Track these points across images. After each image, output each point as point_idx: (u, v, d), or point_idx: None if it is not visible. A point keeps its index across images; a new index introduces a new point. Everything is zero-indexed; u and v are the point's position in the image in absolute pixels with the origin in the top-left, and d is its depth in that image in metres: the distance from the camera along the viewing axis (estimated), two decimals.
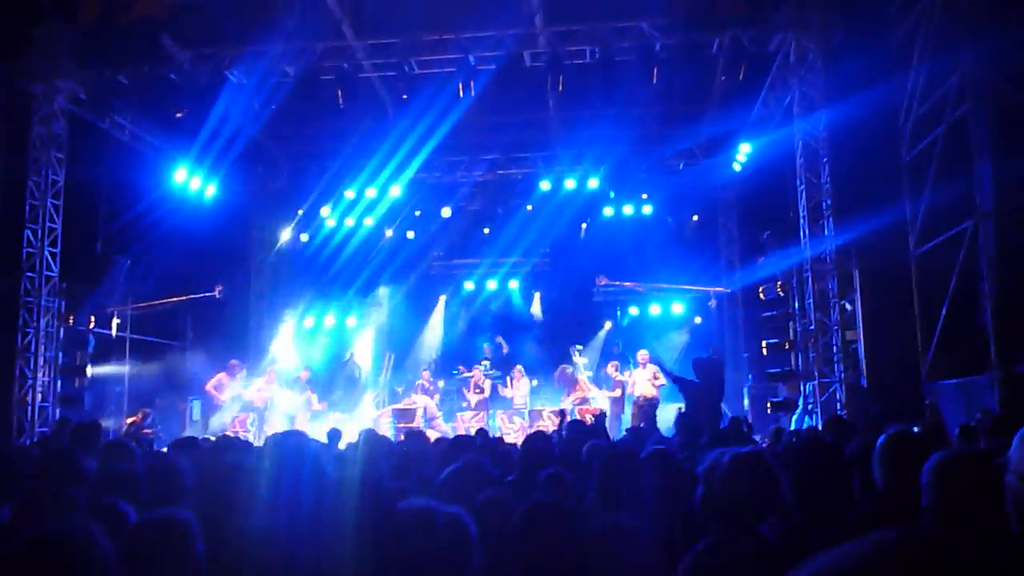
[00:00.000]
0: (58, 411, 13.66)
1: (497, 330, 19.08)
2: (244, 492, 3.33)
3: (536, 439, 5.97)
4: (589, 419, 13.32)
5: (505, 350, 18.47)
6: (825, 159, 12.98)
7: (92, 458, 4.92)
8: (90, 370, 14.60)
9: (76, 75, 13.54)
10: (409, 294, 19.63)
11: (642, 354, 14.80)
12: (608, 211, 18.22)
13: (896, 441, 3.39)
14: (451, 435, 14.32)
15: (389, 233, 19.18)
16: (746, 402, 15.73)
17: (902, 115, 12.92)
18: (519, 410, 15.95)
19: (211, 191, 16.65)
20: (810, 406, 12.72)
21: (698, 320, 18.35)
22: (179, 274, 16.08)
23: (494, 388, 16.81)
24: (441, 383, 17.58)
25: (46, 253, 13.64)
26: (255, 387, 15.76)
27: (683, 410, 9.66)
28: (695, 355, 11.45)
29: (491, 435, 9.12)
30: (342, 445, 7.89)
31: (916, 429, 6.51)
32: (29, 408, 13.36)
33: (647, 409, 14.18)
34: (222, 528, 3.00)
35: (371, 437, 8.22)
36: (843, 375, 12.51)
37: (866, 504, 3.26)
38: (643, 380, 14.46)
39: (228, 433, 12.99)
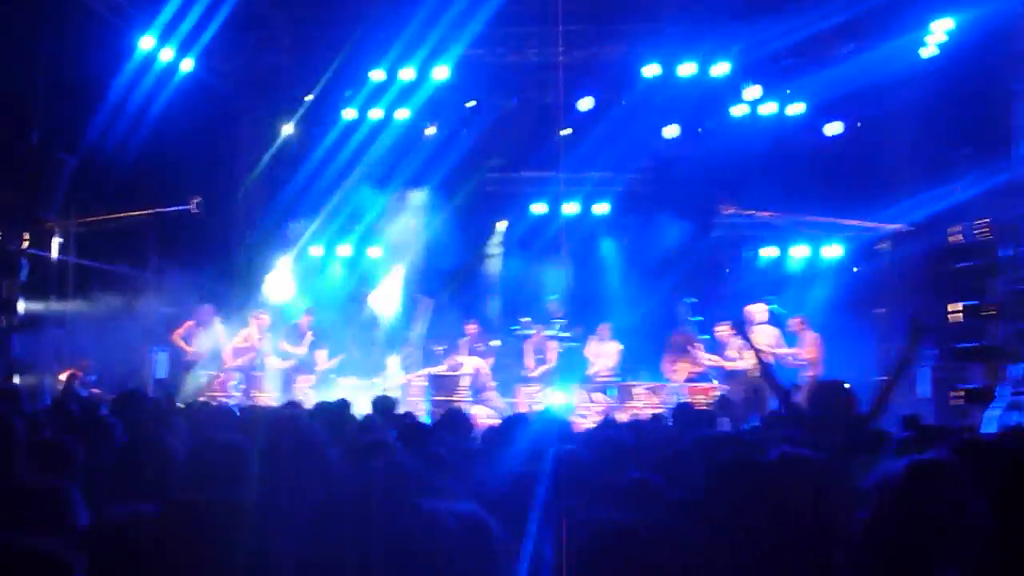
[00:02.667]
0: None
1: (578, 269, 19.01)
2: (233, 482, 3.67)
3: (609, 428, 6.13)
4: (702, 402, 13.89)
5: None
6: None
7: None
8: (21, 305, 14.72)
9: None
10: (456, 217, 19.28)
11: (756, 310, 14.93)
12: (738, 111, 17.79)
13: None
14: (508, 414, 14.01)
15: (431, 131, 18.84)
16: (926, 388, 15.28)
17: None
18: (603, 383, 16.09)
19: (187, 66, 16.44)
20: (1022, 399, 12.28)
21: (857, 269, 18.10)
22: (143, 180, 16.11)
23: (567, 353, 16.95)
24: (496, 343, 17.60)
25: None
26: (240, 338, 16.14)
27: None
28: (852, 319, 10.79)
29: (561, 418, 9.02)
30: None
31: None
32: None
33: (757, 389, 14.14)
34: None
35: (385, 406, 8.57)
36: None
37: None
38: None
39: (206, 399, 13.40)
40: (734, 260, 18.77)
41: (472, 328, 17.18)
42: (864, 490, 3.09)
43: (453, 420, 7.68)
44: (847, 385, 6.92)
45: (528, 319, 17.62)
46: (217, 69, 17.58)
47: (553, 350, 16.94)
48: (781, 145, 17.62)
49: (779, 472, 4.01)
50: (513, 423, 6.11)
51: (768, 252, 18.61)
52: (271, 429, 4.05)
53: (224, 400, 14.47)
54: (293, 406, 8.89)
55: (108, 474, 4.61)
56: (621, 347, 16.60)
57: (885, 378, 7.38)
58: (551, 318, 17.65)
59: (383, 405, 8.95)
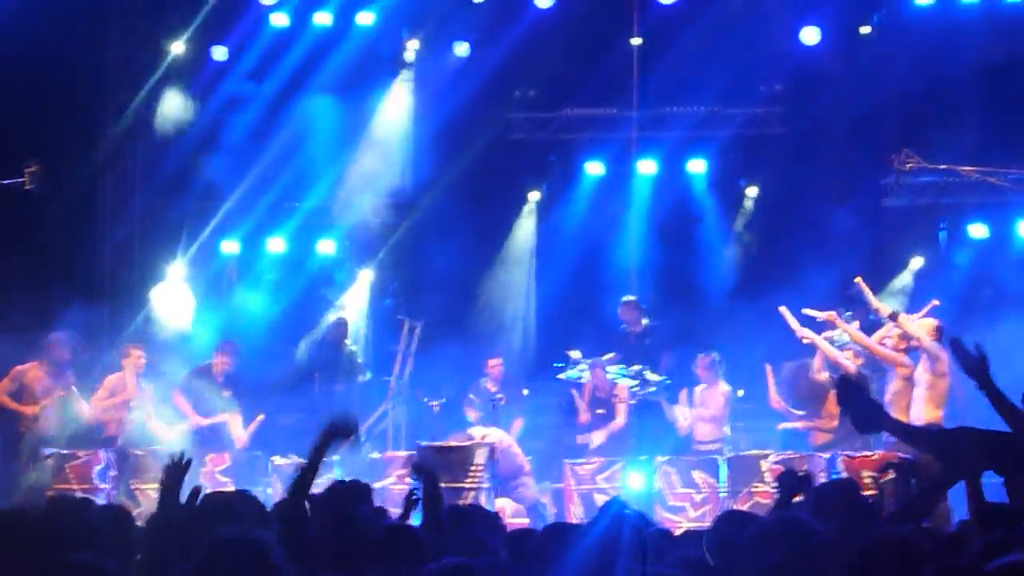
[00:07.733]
0: None
1: (661, 267, 16.77)
2: None
3: (724, 531, 5.16)
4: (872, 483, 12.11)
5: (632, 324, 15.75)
6: None
7: None
8: None
9: None
10: (460, 186, 16.90)
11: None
12: None
13: None
14: (547, 513, 13.62)
15: (413, 46, 16.70)
16: None
17: None
18: (708, 453, 13.98)
19: None
20: None
21: None
22: None
23: (644, 407, 14.64)
24: (525, 392, 15.43)
25: None
26: (104, 390, 13.89)
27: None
28: None
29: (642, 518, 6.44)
30: None
31: None
32: None
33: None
34: None
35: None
36: None
37: None
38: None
39: (56, 494, 12.07)
40: (921, 245, 16.12)
41: (496, 365, 14.80)
42: None
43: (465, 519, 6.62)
44: None
45: (578, 353, 15.03)
46: None
47: (623, 400, 14.58)
48: (999, 54, 15.66)
49: None
50: (561, 534, 4.96)
51: (975, 231, 16.27)
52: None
53: (84, 495, 11.92)
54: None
55: None
56: (729, 390, 14.43)
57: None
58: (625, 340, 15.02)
59: (344, 497, 6.56)
